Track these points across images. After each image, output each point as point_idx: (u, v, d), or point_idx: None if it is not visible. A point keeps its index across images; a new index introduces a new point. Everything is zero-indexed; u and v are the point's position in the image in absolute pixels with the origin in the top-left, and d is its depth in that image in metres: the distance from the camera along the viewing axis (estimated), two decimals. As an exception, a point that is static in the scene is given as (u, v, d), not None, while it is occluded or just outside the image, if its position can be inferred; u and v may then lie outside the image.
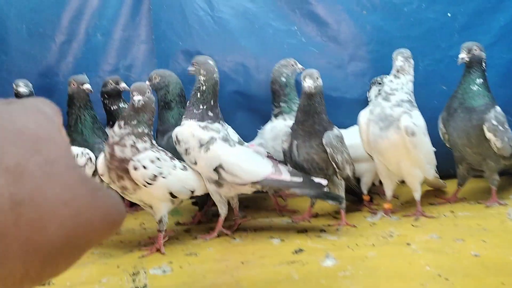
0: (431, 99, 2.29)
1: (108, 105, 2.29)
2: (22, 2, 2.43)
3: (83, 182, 0.32)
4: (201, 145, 1.73)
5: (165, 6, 2.44)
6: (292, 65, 2.17)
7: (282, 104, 2.17)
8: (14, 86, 2.11)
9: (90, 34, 2.48)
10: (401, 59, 1.82)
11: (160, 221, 1.71)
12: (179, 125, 1.83)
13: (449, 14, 2.24)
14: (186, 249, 1.70)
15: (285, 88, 2.16)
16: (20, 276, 0.29)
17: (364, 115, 1.90)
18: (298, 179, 1.69)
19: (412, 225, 1.77)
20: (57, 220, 0.30)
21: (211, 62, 1.90)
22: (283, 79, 2.16)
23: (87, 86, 1.97)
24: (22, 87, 2.09)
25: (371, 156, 1.94)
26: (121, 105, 2.30)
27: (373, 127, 1.83)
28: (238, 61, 2.38)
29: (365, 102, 2.31)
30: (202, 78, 1.86)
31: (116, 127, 1.62)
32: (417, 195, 1.90)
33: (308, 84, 1.75)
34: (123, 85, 2.24)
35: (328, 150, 1.76)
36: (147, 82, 2.10)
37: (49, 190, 0.29)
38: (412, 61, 1.86)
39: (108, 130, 2.26)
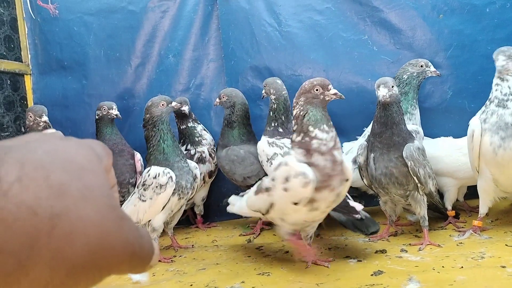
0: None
1: (178, 124, 2.37)
2: (99, 28, 2.58)
3: (112, 210, 0.36)
4: (268, 160, 1.92)
5: (233, 24, 2.47)
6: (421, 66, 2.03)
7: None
8: (105, 107, 2.23)
9: (162, 56, 2.57)
10: (503, 59, 1.65)
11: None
12: (238, 142, 2.13)
13: (541, 13, 2.03)
14: (259, 268, 1.66)
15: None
16: (45, 282, 0.33)
17: (477, 124, 1.68)
18: None
19: (507, 245, 1.59)
20: (85, 237, 0.34)
21: (278, 81, 2.06)
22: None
23: (175, 104, 2.01)
24: (115, 109, 2.23)
25: (476, 171, 1.76)
26: (190, 124, 2.34)
27: (492, 137, 1.63)
28: (307, 74, 2.34)
29: (445, 110, 2.16)
30: (272, 97, 2.04)
31: (320, 131, 1.39)
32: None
33: (382, 93, 1.64)
34: (184, 108, 2.31)
35: (409, 163, 1.63)
36: (218, 100, 2.15)
37: (83, 210, 0.34)
38: None
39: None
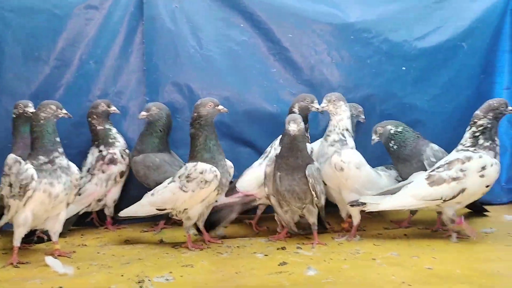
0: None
1: (95, 125, 2.47)
2: (19, 26, 2.55)
3: None
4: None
5: (158, 41, 2.66)
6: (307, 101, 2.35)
7: None
8: (22, 106, 2.25)
9: (83, 61, 2.62)
10: (325, 102, 2.19)
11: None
12: (155, 150, 2.41)
13: (403, 68, 2.67)
14: (181, 261, 1.90)
15: None
16: None
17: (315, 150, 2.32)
18: None
19: (374, 244, 2.08)
20: None
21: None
22: None
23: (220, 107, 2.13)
24: (31, 107, 2.25)
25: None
26: (107, 126, 2.48)
27: (317, 160, 2.22)
28: (223, 95, 2.63)
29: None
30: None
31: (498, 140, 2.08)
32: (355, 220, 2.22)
33: (292, 128, 2.00)
34: (113, 108, 2.47)
35: (310, 180, 2.02)
36: (144, 113, 2.34)
37: None
38: (339, 103, 2.18)
39: (92, 150, 2.47)
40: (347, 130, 2.19)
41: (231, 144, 2.68)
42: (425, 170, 2.18)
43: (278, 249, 2.06)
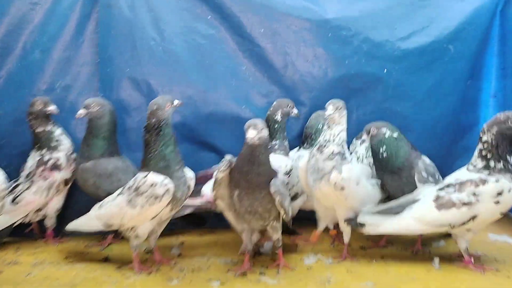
0: None
1: (33, 127, 2.17)
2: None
3: None
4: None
5: (114, 30, 2.38)
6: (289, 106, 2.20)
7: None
8: None
9: (27, 50, 2.32)
10: (332, 109, 1.88)
11: None
12: (105, 155, 2.10)
13: (385, 70, 2.43)
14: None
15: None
16: None
17: (303, 163, 2.02)
18: None
19: (348, 271, 1.84)
20: None
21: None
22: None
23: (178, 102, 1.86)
24: None
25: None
26: (48, 128, 2.17)
27: (309, 176, 1.95)
28: (186, 93, 2.37)
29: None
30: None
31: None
32: (346, 238, 1.99)
33: (250, 135, 1.65)
34: (51, 108, 2.15)
35: (277, 198, 1.71)
36: (82, 111, 2.05)
37: None
38: (344, 112, 1.90)
39: (32, 154, 2.16)
40: (345, 141, 1.93)
41: (193, 148, 2.41)
42: (414, 184, 1.95)
43: (238, 275, 1.79)
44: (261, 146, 1.69)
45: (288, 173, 2.10)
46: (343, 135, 1.91)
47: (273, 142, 2.13)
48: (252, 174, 1.70)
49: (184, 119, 2.39)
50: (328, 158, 1.88)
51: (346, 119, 1.93)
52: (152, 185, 1.70)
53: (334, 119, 1.89)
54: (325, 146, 1.89)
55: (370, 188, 2.03)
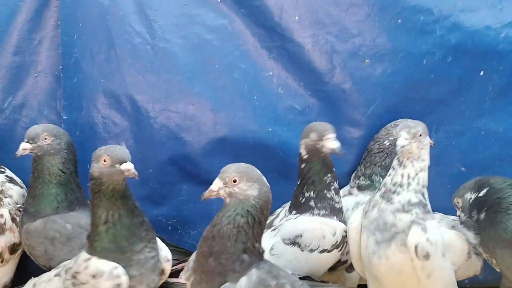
0: (444, 184, 1.71)
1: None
2: None
3: None
4: None
5: (82, 24, 1.68)
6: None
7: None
8: None
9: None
10: (407, 136, 1.27)
11: None
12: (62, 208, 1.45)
13: (481, 72, 1.65)
14: None
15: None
16: None
17: (356, 218, 1.38)
18: None
19: None
20: None
21: None
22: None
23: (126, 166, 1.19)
24: None
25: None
26: None
27: (368, 238, 1.32)
28: (187, 113, 1.68)
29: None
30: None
31: None
32: None
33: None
34: None
35: None
36: (26, 145, 1.41)
37: None
38: (426, 140, 1.30)
39: None
40: (426, 186, 1.31)
41: (197, 190, 1.67)
42: None
43: None
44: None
45: (338, 245, 1.43)
46: (424, 176, 1.30)
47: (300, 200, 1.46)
48: (211, 258, 1.08)
49: (185, 150, 1.69)
50: (403, 210, 1.27)
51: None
52: (95, 276, 1.17)
53: (412, 152, 1.28)
54: (395, 192, 1.28)
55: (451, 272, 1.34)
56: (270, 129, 1.70)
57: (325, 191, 1.42)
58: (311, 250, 1.39)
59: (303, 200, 1.44)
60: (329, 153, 1.40)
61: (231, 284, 1.06)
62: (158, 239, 1.28)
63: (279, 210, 1.58)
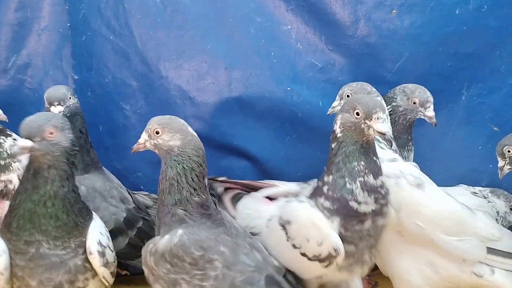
0: (475, 143, 1.63)
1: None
2: None
3: None
4: None
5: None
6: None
7: None
8: None
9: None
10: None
11: None
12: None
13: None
14: None
15: None
16: None
17: None
18: None
19: None
20: None
21: None
22: None
23: None
24: None
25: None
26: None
27: None
28: (200, 71, 1.57)
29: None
30: None
31: None
32: None
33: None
34: None
35: None
36: (56, 107, 1.32)
37: None
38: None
39: None
40: None
41: (212, 155, 1.59)
42: None
43: None
44: None
45: (322, 260, 1.08)
46: None
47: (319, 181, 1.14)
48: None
49: (198, 111, 1.58)
50: None
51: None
52: None
53: None
54: None
55: None
56: (289, 88, 1.58)
57: (346, 180, 1.05)
58: (294, 246, 1.08)
59: (320, 183, 1.10)
60: (374, 137, 1.08)
61: (154, 240, 1.03)
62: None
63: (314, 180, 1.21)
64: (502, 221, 1.46)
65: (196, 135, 1.06)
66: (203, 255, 0.98)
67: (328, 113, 1.37)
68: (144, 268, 1.04)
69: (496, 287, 1.17)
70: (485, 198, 1.49)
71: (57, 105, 1.33)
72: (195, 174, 1.02)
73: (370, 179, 1.04)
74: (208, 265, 0.98)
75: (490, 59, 1.56)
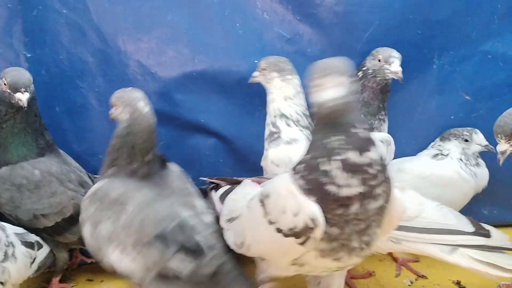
0: (447, 112, 1.59)
1: None
2: None
3: None
4: None
5: None
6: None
7: None
8: None
9: None
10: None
11: None
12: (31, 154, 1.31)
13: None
14: None
15: None
16: None
17: None
18: None
19: None
20: None
21: None
22: None
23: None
24: None
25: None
26: None
27: None
28: (161, 44, 1.48)
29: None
30: None
31: None
32: None
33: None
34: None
35: None
36: (23, 94, 1.23)
37: None
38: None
39: None
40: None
41: (176, 134, 1.52)
42: None
43: None
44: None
45: (297, 234, 0.90)
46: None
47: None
48: None
49: (160, 87, 1.49)
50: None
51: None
52: None
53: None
54: None
55: None
56: (256, 61, 1.48)
57: (319, 160, 0.85)
58: (270, 222, 0.92)
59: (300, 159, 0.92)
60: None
61: None
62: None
63: None
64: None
65: (143, 112, 1.08)
66: (117, 199, 1.04)
67: (249, 81, 1.35)
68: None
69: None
70: (441, 154, 1.46)
71: (24, 91, 1.22)
72: (139, 148, 1.07)
73: (352, 156, 0.83)
74: (121, 207, 1.03)
75: (462, 26, 1.51)
